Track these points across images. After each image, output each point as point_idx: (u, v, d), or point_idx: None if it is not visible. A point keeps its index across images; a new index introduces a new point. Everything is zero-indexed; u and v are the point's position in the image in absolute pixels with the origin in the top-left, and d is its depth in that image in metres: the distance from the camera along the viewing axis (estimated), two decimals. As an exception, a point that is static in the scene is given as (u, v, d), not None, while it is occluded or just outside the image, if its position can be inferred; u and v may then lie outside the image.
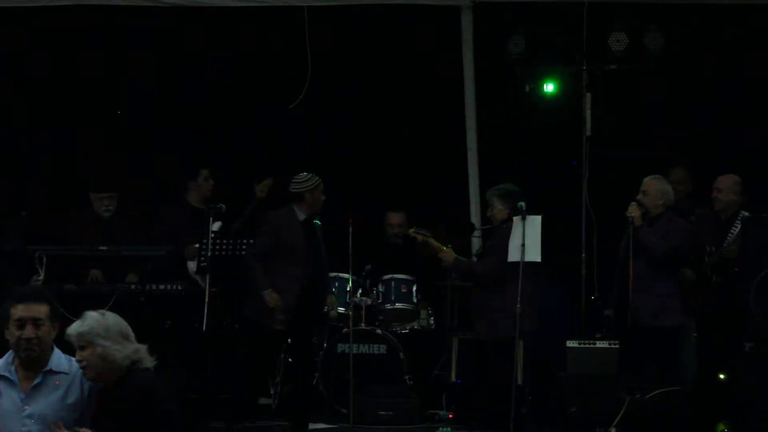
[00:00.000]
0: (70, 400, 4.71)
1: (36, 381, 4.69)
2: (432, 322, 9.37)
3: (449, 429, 8.27)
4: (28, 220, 8.33)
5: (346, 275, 8.94)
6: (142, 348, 4.71)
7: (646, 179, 8.31)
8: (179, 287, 8.39)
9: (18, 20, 9.54)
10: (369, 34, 9.89)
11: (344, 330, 8.92)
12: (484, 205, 8.94)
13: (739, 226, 8.41)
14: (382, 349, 9.00)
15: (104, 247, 8.36)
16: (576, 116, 9.27)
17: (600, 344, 8.19)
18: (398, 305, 9.20)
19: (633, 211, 8.16)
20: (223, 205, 8.12)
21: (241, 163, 9.91)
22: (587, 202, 9.17)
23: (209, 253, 7.89)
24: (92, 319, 4.66)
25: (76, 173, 9.72)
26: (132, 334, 4.71)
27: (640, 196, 8.23)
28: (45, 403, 4.67)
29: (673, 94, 9.78)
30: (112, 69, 10.03)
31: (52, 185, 9.84)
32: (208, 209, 8.08)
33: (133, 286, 8.39)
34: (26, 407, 4.66)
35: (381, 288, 9.22)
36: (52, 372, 4.72)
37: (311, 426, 8.41)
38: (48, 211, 9.23)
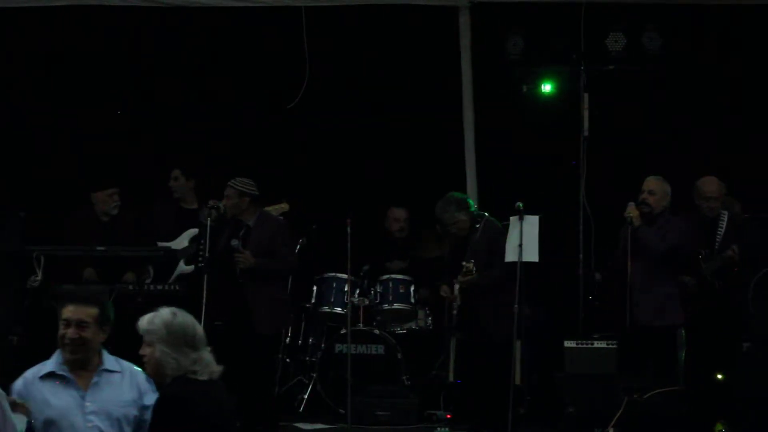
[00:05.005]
0: (128, 396, 4.81)
1: (94, 379, 4.79)
2: (430, 322, 9.38)
3: (447, 429, 8.26)
4: (26, 221, 8.34)
5: (343, 275, 8.94)
6: (204, 357, 4.63)
7: (651, 179, 8.28)
8: (177, 287, 8.40)
9: (17, 20, 9.55)
10: (366, 34, 9.89)
11: (342, 330, 8.91)
12: (482, 205, 8.94)
13: (725, 226, 8.44)
14: (380, 349, 9.00)
15: (102, 248, 8.38)
16: (573, 116, 9.27)
17: (598, 344, 8.19)
18: (396, 305, 9.20)
19: (631, 211, 8.16)
20: (221, 205, 8.11)
21: (239, 163, 9.91)
22: (585, 202, 9.17)
23: (207, 254, 7.89)
24: (161, 320, 4.60)
25: (76, 173, 9.72)
26: (200, 341, 4.63)
27: (645, 196, 8.20)
28: (106, 399, 4.77)
29: (671, 95, 9.77)
30: (111, 69, 10.04)
31: (51, 185, 9.84)
32: (208, 209, 8.06)
33: (131, 287, 8.39)
34: (88, 404, 4.74)
35: (379, 288, 9.23)
36: (108, 371, 4.82)
37: (309, 426, 8.42)
38: (47, 212, 9.23)
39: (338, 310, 9.13)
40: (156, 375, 4.66)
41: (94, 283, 8.49)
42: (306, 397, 9.06)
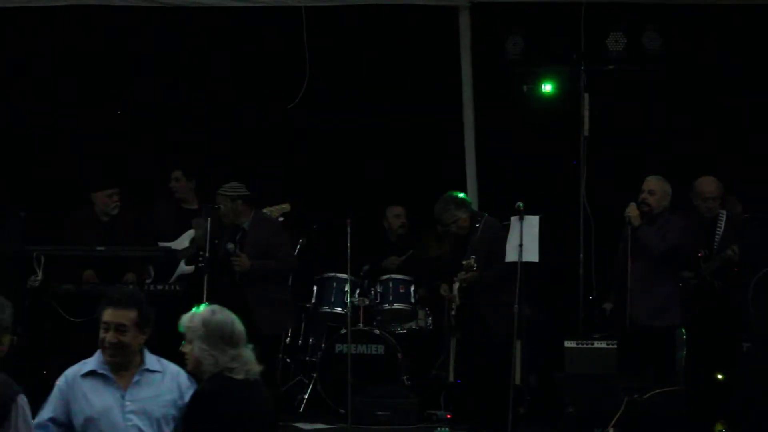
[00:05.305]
0: (168, 397, 4.79)
1: (135, 378, 4.78)
2: (430, 322, 9.38)
3: (447, 429, 8.26)
4: (26, 221, 8.34)
5: (344, 275, 8.94)
6: (244, 355, 4.70)
7: (652, 179, 8.28)
8: (177, 287, 8.40)
9: (17, 20, 9.55)
10: (367, 34, 9.90)
11: (342, 330, 8.91)
12: (482, 205, 8.95)
13: (723, 226, 8.44)
14: (380, 349, 9.00)
15: (102, 248, 8.38)
16: (574, 116, 9.27)
17: (598, 344, 8.18)
18: (396, 305, 9.21)
19: (631, 211, 8.16)
20: (220, 206, 8.11)
21: (239, 163, 9.92)
22: (585, 202, 9.17)
23: (207, 254, 7.89)
24: (199, 317, 4.69)
25: (76, 173, 9.73)
26: (238, 339, 4.71)
27: (645, 195, 8.20)
28: (145, 399, 4.76)
29: (671, 95, 9.78)
30: (111, 70, 10.04)
31: (51, 185, 9.84)
32: (208, 209, 8.06)
33: (131, 287, 8.38)
34: (128, 403, 4.73)
35: (379, 288, 9.23)
36: (149, 371, 4.81)
37: (309, 426, 8.42)
38: (47, 212, 9.23)
39: (338, 310, 9.14)
40: (195, 371, 4.72)
41: (97, 284, 8.47)
42: (306, 397, 9.07)
